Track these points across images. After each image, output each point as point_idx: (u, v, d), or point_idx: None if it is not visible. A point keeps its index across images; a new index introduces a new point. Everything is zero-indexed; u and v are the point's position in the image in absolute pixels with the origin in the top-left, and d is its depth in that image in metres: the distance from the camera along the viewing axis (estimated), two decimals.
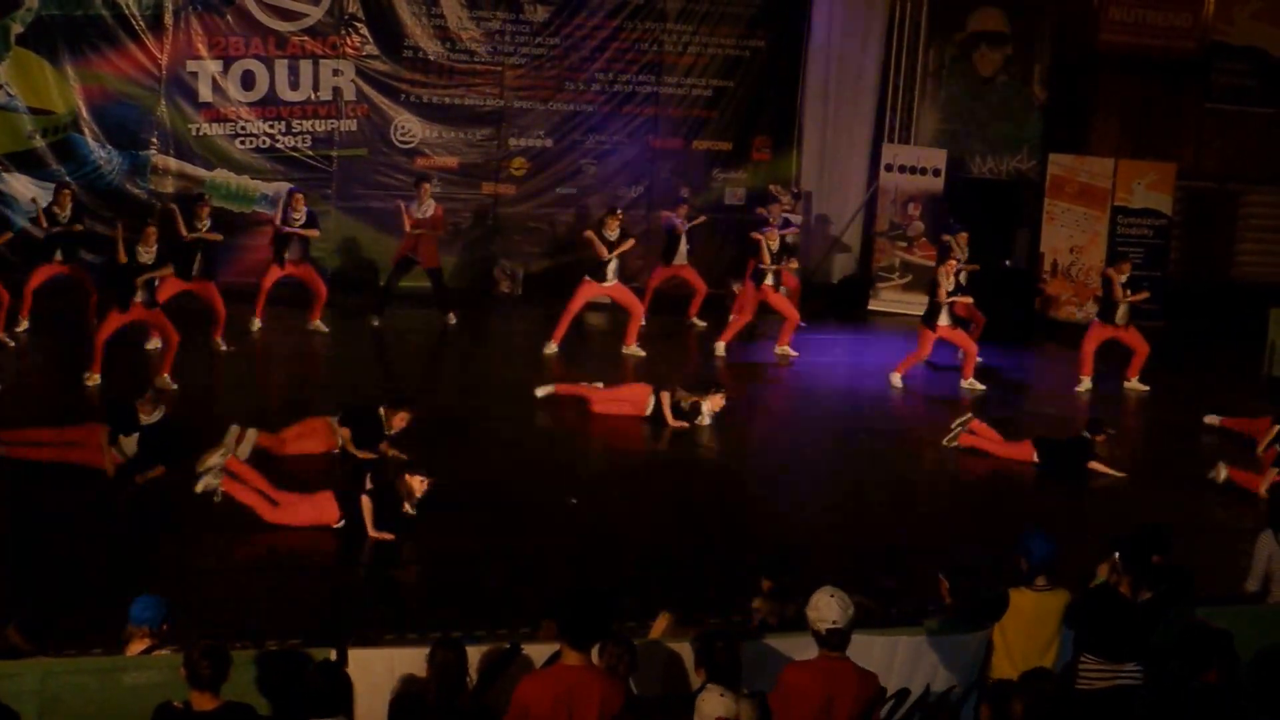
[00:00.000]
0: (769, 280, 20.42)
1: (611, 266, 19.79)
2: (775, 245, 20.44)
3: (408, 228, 20.38)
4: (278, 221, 19.83)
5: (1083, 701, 8.76)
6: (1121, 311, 19.86)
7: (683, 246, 21.67)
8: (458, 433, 16.18)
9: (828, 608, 7.61)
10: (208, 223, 18.60)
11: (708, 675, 7.62)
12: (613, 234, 19.81)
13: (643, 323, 20.37)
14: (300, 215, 19.76)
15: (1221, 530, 14.94)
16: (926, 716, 8.80)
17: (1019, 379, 20.85)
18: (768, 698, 7.54)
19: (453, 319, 21.02)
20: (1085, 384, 19.87)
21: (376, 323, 20.48)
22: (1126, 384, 20.12)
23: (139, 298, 16.78)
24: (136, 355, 17.69)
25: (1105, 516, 14.82)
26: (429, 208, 20.52)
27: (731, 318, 20.98)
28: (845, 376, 20.13)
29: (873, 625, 8.71)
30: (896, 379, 19.52)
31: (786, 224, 22.54)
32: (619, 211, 20.31)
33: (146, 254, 16.84)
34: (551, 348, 19.67)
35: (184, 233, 18.39)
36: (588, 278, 19.83)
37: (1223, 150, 26.72)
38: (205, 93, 21.79)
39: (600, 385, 17.52)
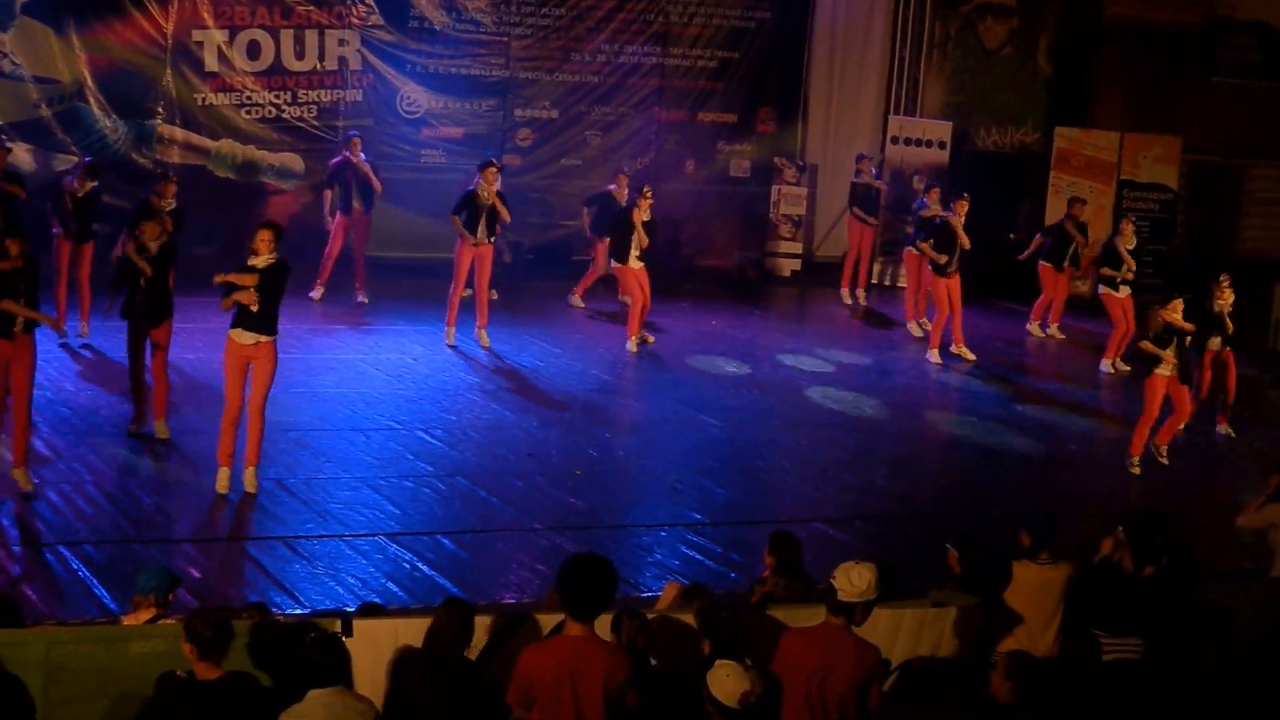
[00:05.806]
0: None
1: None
2: None
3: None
4: None
5: (1091, 675, 8.80)
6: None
7: (634, 244, 19.16)
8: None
9: (849, 576, 7.57)
10: (172, 202, 17.18)
11: (712, 647, 7.64)
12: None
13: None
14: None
15: (1225, 505, 14.96)
16: (931, 688, 8.82)
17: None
18: (769, 667, 7.56)
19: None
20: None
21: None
22: None
23: None
24: None
25: (1110, 491, 14.87)
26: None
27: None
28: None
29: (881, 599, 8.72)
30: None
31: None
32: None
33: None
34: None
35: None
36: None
37: (1228, 124, 26.67)
38: (211, 62, 21.74)
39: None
